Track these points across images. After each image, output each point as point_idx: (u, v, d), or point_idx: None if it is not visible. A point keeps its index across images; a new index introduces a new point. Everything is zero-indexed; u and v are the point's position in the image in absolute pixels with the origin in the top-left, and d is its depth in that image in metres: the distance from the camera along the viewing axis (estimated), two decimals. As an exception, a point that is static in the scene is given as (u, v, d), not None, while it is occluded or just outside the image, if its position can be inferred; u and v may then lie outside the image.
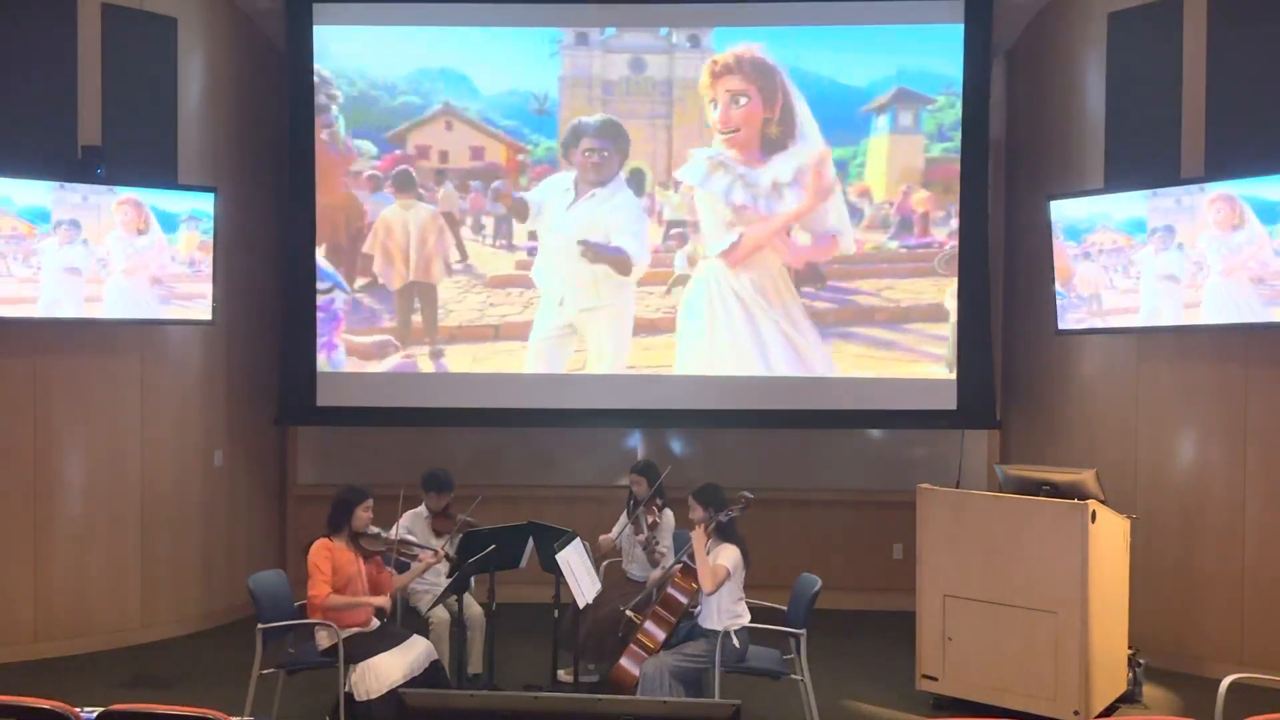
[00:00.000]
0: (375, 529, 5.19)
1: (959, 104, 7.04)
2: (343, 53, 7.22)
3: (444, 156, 7.24)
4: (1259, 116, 6.01)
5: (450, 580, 5.38)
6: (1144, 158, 6.38)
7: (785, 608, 5.27)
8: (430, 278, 7.28)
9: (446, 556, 5.52)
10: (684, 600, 5.11)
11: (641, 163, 7.21)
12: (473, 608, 5.67)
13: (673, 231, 7.21)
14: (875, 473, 7.73)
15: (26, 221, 6.12)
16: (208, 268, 6.61)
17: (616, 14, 7.23)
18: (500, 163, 7.25)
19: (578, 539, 5.33)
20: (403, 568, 5.43)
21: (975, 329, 7.12)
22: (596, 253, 7.22)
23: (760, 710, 5.43)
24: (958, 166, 7.07)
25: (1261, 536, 6.08)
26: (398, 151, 7.23)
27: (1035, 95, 7.36)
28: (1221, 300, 5.92)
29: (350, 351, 7.26)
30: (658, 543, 5.77)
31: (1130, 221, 6.21)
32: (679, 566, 5.23)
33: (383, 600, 5.09)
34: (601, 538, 5.94)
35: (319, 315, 7.21)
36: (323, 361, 7.25)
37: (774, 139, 7.14)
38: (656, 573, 5.70)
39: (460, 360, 7.27)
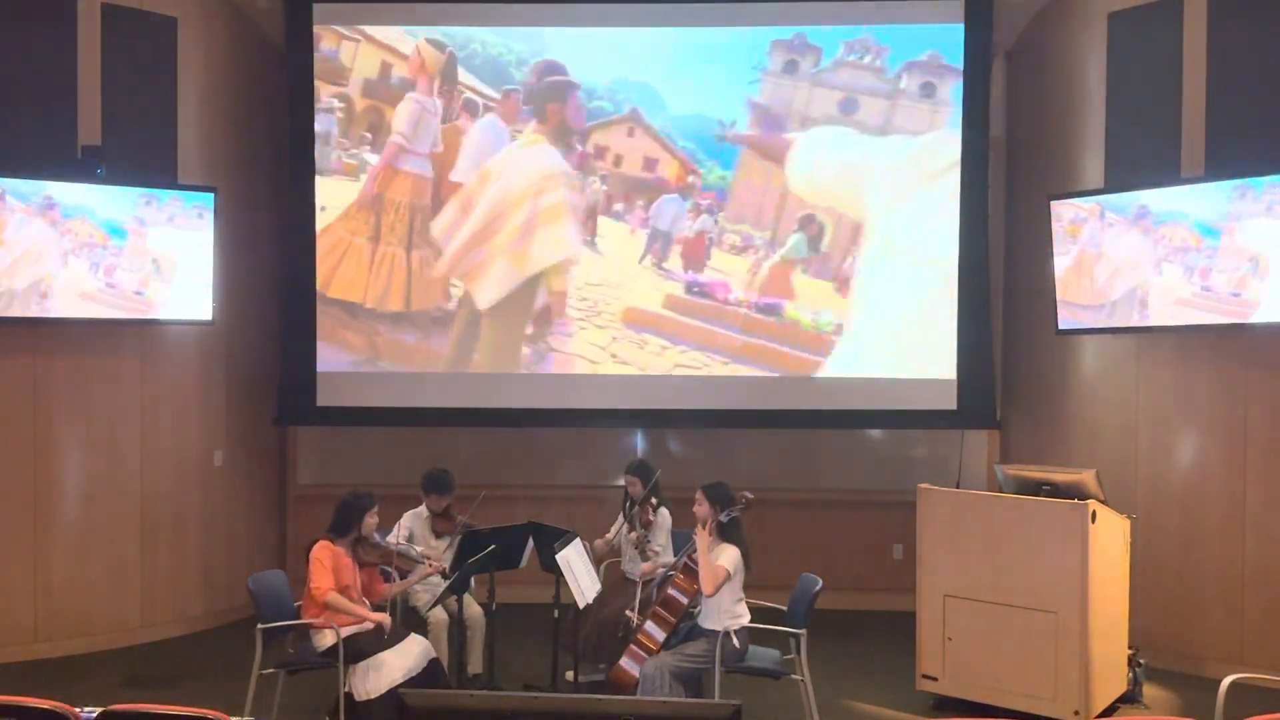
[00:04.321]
0: (375, 537, 5.20)
1: (959, 104, 7.04)
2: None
3: (618, 160, 7.23)
4: (1259, 116, 6.01)
5: (450, 581, 5.38)
6: (1144, 157, 6.38)
7: (785, 608, 5.27)
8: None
9: (442, 574, 5.52)
10: (684, 601, 5.11)
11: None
12: (473, 608, 5.67)
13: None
14: (875, 473, 7.72)
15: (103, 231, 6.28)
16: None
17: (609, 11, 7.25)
18: (668, 179, 7.22)
19: (578, 539, 5.33)
20: (400, 575, 5.43)
21: (975, 329, 7.12)
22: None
23: (760, 710, 5.43)
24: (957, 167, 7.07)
25: (1261, 536, 6.08)
26: (580, 149, 7.23)
27: (1035, 95, 7.36)
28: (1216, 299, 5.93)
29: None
30: (650, 541, 5.78)
31: (1129, 219, 6.21)
32: (680, 567, 5.23)
33: (382, 617, 5.05)
34: (597, 542, 5.90)
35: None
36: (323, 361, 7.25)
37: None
38: (647, 564, 5.69)
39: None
